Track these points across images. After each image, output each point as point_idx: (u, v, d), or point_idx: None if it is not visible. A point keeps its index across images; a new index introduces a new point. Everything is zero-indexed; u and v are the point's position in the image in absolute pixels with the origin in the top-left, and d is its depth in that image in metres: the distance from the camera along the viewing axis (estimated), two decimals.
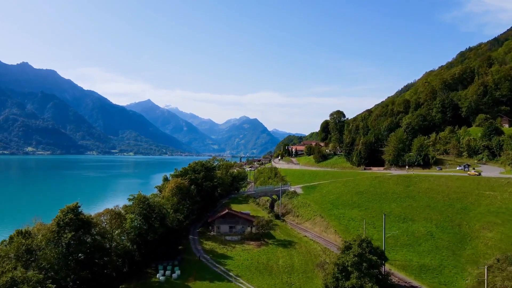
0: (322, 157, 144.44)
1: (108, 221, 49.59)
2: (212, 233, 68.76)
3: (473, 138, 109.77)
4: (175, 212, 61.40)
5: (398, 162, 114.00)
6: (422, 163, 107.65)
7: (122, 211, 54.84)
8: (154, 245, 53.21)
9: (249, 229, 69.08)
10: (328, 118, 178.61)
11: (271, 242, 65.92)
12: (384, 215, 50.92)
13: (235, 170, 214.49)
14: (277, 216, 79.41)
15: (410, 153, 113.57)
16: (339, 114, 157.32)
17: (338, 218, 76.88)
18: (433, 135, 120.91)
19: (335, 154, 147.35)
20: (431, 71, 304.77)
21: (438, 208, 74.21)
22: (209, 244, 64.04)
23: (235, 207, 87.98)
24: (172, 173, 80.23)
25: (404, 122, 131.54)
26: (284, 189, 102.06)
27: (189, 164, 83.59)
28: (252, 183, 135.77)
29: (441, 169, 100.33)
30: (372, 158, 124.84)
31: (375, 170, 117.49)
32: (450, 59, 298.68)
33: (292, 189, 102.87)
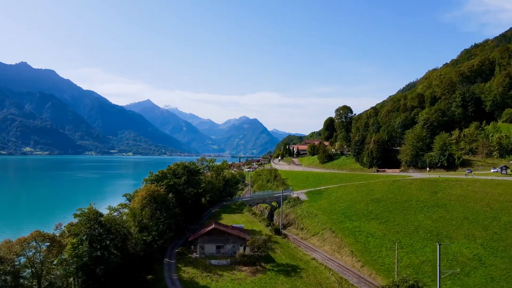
0: (328, 157, 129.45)
1: (36, 250, 35.06)
2: (194, 254, 53.98)
3: (505, 135, 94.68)
4: (142, 231, 46.55)
5: (417, 163, 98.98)
6: (446, 164, 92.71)
7: (66, 231, 40.09)
8: (108, 279, 38.54)
9: (241, 249, 54.20)
10: (328, 117, 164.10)
11: (270, 268, 51.01)
12: (439, 244, 35.84)
13: (233, 171, 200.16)
14: (277, 231, 64.69)
15: (431, 153, 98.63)
16: (346, 109, 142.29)
17: (353, 233, 61.86)
18: (456, 131, 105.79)
19: (342, 154, 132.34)
20: (434, 69, 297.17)
21: (479, 221, 59.28)
22: (188, 272, 49.18)
23: (227, 218, 73.06)
24: (147, 177, 65.03)
25: (420, 117, 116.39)
26: (286, 195, 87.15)
27: (168, 166, 68.69)
28: (250, 187, 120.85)
29: (471, 171, 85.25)
30: (386, 158, 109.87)
31: (390, 172, 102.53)
32: (450, 59, 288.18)
33: (295, 194, 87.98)
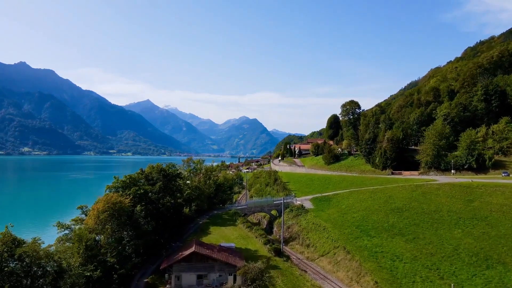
0: (334, 158, 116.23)
1: None
2: (167, 287, 41.09)
3: None
4: (91, 260, 33.61)
5: (439, 165, 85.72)
6: (475, 166, 79.42)
7: None
8: None
9: (230, 280, 41.16)
10: (332, 114, 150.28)
11: None
12: None
13: (231, 172, 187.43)
14: (278, 251, 51.63)
15: (455, 152, 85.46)
16: (353, 105, 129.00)
17: (374, 254, 48.69)
18: (482, 128, 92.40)
19: (349, 153, 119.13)
20: (438, 68, 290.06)
21: None
22: None
23: (216, 232, 60.00)
24: (112, 183, 51.29)
25: (439, 113, 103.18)
26: (287, 202, 74.12)
27: (141, 169, 55.36)
28: (246, 191, 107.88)
29: (508, 174, 72.05)
30: (401, 159, 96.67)
31: (408, 175, 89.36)
32: (450, 59, 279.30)
33: (298, 202, 75.00)
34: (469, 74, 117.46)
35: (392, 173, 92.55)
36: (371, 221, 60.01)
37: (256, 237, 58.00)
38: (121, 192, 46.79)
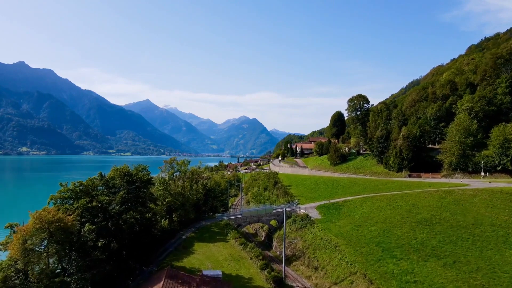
0: (341, 158, 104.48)
1: None
2: None
3: None
4: None
5: (466, 166, 73.86)
6: (510, 167, 67.59)
7: None
8: None
9: None
10: (336, 111, 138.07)
11: None
12: None
13: (228, 173, 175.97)
14: (279, 282, 39.81)
15: (485, 151, 73.66)
16: (361, 99, 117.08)
17: (405, 285, 36.98)
18: None
19: (358, 153, 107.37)
20: (440, 65, 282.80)
21: None
22: None
23: (201, 251, 48.33)
24: (57, 192, 38.28)
25: (460, 107, 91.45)
26: (290, 211, 62.61)
27: (100, 173, 43.26)
28: (242, 195, 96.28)
29: None
30: (418, 159, 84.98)
31: (428, 177, 77.57)
32: (451, 58, 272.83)
33: (302, 210, 63.32)
34: (491, 64, 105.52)
35: (409, 176, 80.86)
36: (394, 236, 48.29)
37: (251, 258, 46.25)
38: (67, 205, 34.91)
